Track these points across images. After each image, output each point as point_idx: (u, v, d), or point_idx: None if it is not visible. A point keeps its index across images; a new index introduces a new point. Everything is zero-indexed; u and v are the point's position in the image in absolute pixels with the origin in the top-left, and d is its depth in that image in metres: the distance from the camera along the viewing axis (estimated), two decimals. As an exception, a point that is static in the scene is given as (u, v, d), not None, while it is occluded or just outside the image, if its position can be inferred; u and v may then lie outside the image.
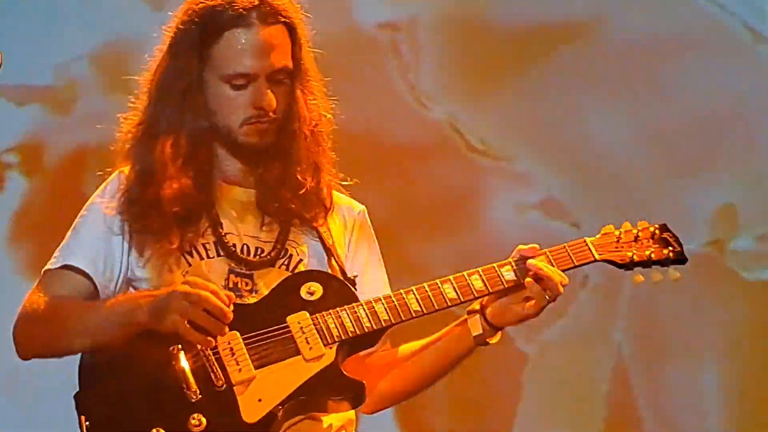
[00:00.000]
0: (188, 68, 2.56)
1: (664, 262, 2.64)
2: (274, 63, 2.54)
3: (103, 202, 2.59)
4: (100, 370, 2.45)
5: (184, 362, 2.41)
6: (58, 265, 2.56)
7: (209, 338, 2.39)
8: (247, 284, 2.55)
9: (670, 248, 2.64)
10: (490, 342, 2.60)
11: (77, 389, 2.45)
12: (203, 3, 2.55)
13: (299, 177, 2.58)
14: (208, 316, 2.38)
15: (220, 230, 2.56)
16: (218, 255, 2.56)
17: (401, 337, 2.67)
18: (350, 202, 2.71)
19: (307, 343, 2.46)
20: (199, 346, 2.42)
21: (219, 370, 2.42)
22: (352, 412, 2.55)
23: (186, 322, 2.37)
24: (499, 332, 2.60)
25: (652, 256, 2.63)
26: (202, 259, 2.55)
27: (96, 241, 2.55)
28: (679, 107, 4.41)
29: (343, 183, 2.68)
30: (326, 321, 2.48)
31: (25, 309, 2.54)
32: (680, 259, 2.64)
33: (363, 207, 2.73)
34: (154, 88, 2.60)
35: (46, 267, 2.58)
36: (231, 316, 2.39)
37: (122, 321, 2.44)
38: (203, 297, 2.38)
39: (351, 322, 2.49)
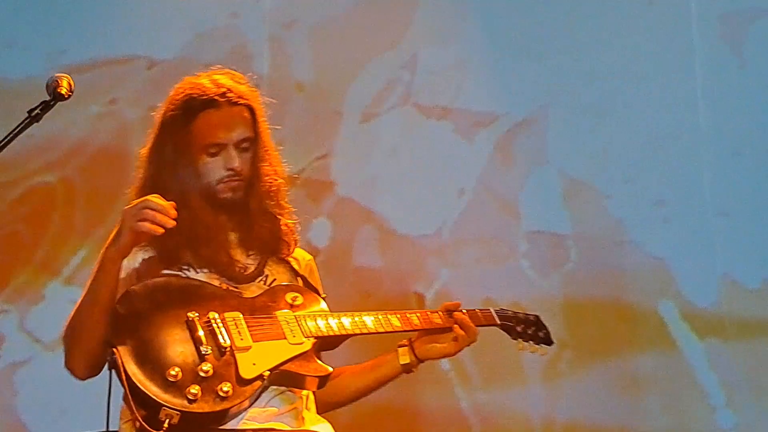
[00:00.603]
0: (174, 142, 3.24)
1: (538, 341, 3.51)
2: (240, 134, 3.25)
3: None
4: (134, 324, 3.05)
5: (200, 326, 3.05)
6: None
7: (158, 227, 3.00)
8: (236, 287, 3.22)
9: (543, 332, 3.52)
10: (413, 371, 3.35)
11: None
12: (183, 93, 3.28)
13: (263, 222, 3.28)
14: (153, 212, 3.00)
15: (214, 254, 3.24)
16: (209, 271, 3.23)
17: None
18: (302, 252, 3.43)
19: (291, 332, 3.15)
20: (210, 315, 3.07)
21: (226, 336, 3.06)
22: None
23: (138, 222, 2.99)
24: (420, 364, 3.35)
25: (531, 333, 3.50)
26: (196, 272, 3.21)
27: None
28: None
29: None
30: (306, 320, 3.19)
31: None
32: (548, 340, 3.52)
33: (311, 256, 3.46)
34: (149, 158, 3.29)
35: None
36: (174, 212, 3.01)
37: (103, 268, 3.06)
38: (145, 201, 3.02)
39: (324, 325, 3.20)
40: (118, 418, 3.16)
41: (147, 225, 3.01)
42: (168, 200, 3.08)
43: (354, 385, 3.38)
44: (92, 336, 3.07)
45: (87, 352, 3.10)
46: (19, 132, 3.01)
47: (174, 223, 3.03)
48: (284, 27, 5.25)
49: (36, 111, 3.02)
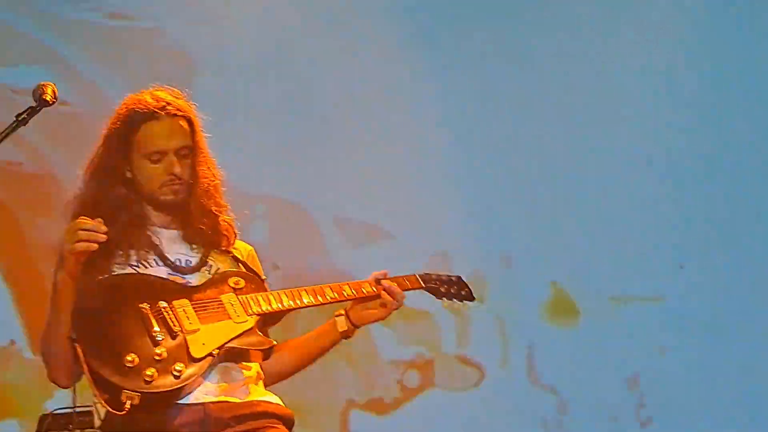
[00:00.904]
0: (117, 153, 3.56)
1: (461, 298, 3.86)
2: (179, 142, 3.56)
3: None
4: (91, 317, 3.37)
5: (152, 315, 3.37)
6: None
7: (93, 243, 3.32)
8: (183, 278, 3.54)
9: (465, 290, 3.87)
10: (351, 336, 3.69)
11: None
12: (126, 108, 3.58)
13: (203, 219, 3.61)
14: (86, 231, 3.33)
15: (160, 250, 3.55)
16: (158, 265, 3.55)
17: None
18: (243, 243, 3.75)
19: (235, 312, 3.48)
20: (160, 304, 3.39)
21: (176, 322, 3.38)
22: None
23: (74, 244, 3.32)
24: (357, 329, 3.69)
25: (454, 292, 3.85)
26: (146, 268, 3.53)
27: None
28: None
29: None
30: (248, 300, 3.51)
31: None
32: (470, 297, 3.88)
33: (251, 247, 3.77)
34: (92, 169, 3.58)
35: None
36: (103, 227, 3.34)
37: (57, 293, 3.38)
38: (76, 224, 3.35)
39: (265, 302, 3.52)
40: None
41: (84, 245, 3.33)
42: (111, 206, 3.46)
43: (299, 356, 3.71)
44: (63, 353, 3.38)
45: (62, 366, 3.42)
46: (8, 135, 3.31)
47: (105, 237, 3.35)
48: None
49: (23, 115, 3.32)
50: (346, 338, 3.70)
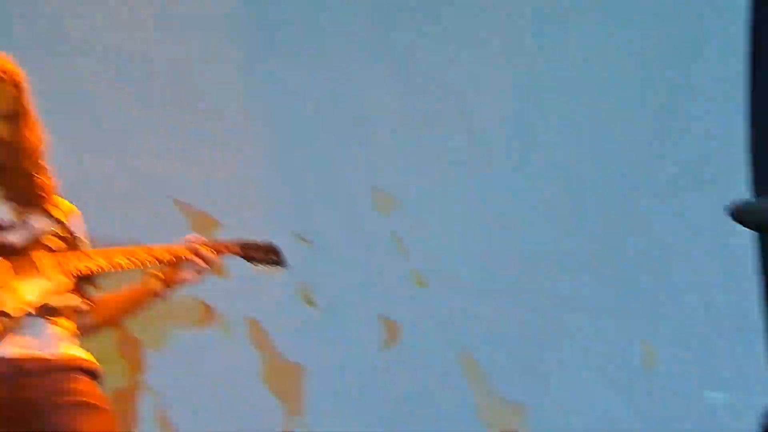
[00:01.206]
0: None
1: (272, 263, 4.08)
2: (2, 106, 3.75)
3: None
4: None
5: None
6: None
7: None
8: (1, 236, 3.71)
9: (276, 256, 4.07)
10: (164, 297, 3.91)
11: None
12: None
13: (23, 180, 3.79)
14: None
15: None
16: None
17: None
18: (68, 204, 3.90)
19: (50, 270, 3.66)
20: None
21: None
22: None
23: None
24: (170, 291, 3.91)
25: (267, 258, 4.07)
26: None
27: None
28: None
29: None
30: (64, 259, 3.70)
31: None
32: (282, 263, 4.08)
33: (74, 207, 3.92)
34: None
35: None
36: None
37: None
38: None
39: (80, 262, 3.72)
40: None
41: None
42: None
43: (116, 312, 3.91)
44: None
45: None
46: None
47: None
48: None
49: None
50: (160, 297, 3.92)
